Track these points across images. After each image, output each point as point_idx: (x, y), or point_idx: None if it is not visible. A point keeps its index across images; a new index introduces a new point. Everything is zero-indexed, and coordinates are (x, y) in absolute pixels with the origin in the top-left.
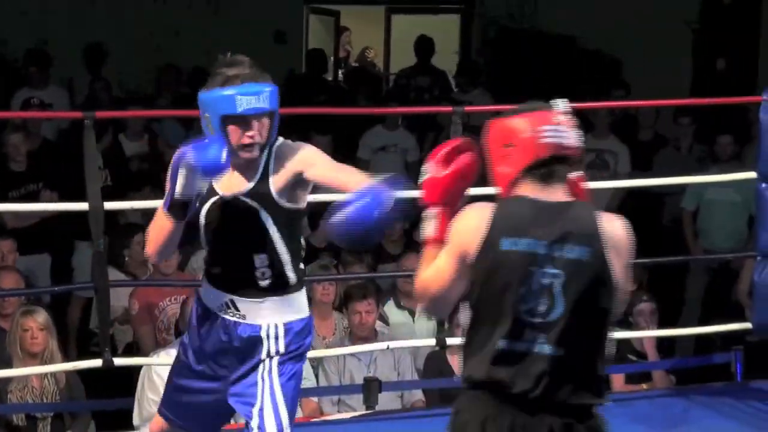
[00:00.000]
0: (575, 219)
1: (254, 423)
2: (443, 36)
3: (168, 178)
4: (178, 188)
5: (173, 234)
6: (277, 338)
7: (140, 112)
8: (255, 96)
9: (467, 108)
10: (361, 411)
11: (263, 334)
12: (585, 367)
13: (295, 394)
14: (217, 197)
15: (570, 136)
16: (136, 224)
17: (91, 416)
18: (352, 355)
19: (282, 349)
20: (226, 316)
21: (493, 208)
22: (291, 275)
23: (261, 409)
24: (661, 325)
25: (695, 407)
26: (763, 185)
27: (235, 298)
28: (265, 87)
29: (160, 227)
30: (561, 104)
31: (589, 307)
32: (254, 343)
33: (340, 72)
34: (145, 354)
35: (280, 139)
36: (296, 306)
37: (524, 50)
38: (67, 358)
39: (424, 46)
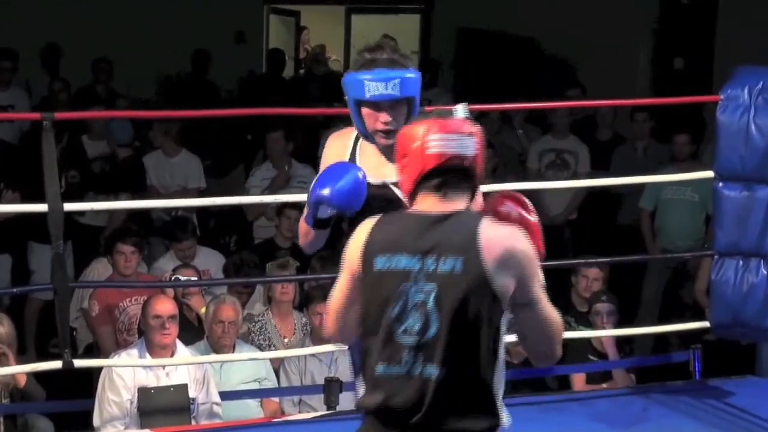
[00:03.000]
0: (452, 230)
1: None
2: (403, 36)
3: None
4: (314, 211)
5: (318, 237)
6: None
7: (100, 113)
8: (384, 82)
9: (427, 107)
10: (322, 411)
11: None
12: (472, 388)
13: None
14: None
15: (462, 144)
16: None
17: (49, 417)
18: (313, 355)
19: None
20: None
21: (375, 223)
22: None
23: None
24: (620, 324)
25: (654, 406)
26: (720, 184)
27: None
28: (397, 74)
29: (306, 230)
30: (460, 109)
31: (466, 322)
32: None
33: (300, 71)
34: (106, 355)
35: None
36: None
37: (483, 50)
38: (25, 359)
39: None
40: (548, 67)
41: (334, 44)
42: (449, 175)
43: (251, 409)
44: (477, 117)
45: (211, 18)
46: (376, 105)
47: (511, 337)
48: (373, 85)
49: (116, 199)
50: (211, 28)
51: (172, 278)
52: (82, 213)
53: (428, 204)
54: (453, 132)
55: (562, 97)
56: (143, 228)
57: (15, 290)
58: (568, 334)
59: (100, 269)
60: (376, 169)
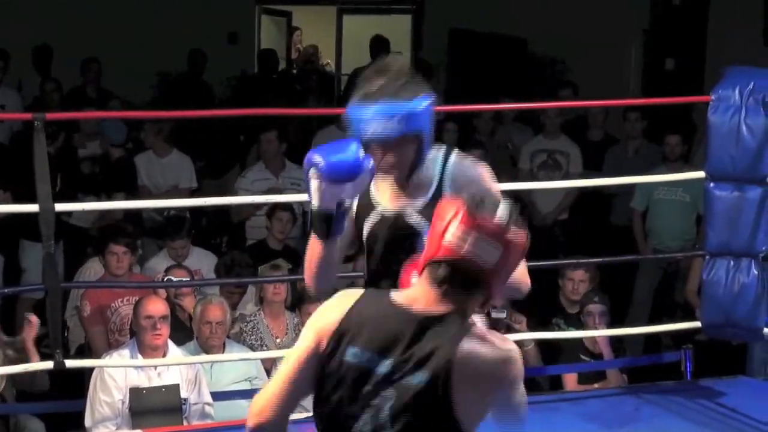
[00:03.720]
0: (432, 339)
1: None
2: (395, 37)
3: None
4: (312, 200)
5: (324, 256)
6: None
7: (91, 114)
8: (385, 120)
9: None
10: None
11: None
12: None
13: None
14: (380, 214)
15: (482, 250)
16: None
17: (40, 418)
18: None
19: None
20: None
21: (358, 301)
22: None
23: None
24: (611, 324)
25: (646, 405)
26: (711, 185)
27: None
28: (400, 109)
29: (311, 250)
30: (504, 209)
31: None
32: None
33: (292, 71)
34: (97, 355)
35: (454, 154)
36: None
37: (474, 51)
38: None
39: (380, 45)
40: (540, 67)
41: (326, 44)
42: (456, 273)
43: (243, 409)
44: (469, 117)
45: (203, 18)
46: (380, 143)
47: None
48: (373, 123)
49: (110, 199)
50: (203, 29)
51: (165, 279)
52: (70, 213)
53: (422, 294)
54: (479, 232)
55: (553, 98)
56: (136, 228)
57: (6, 290)
58: (559, 335)
59: (96, 268)
60: (392, 200)
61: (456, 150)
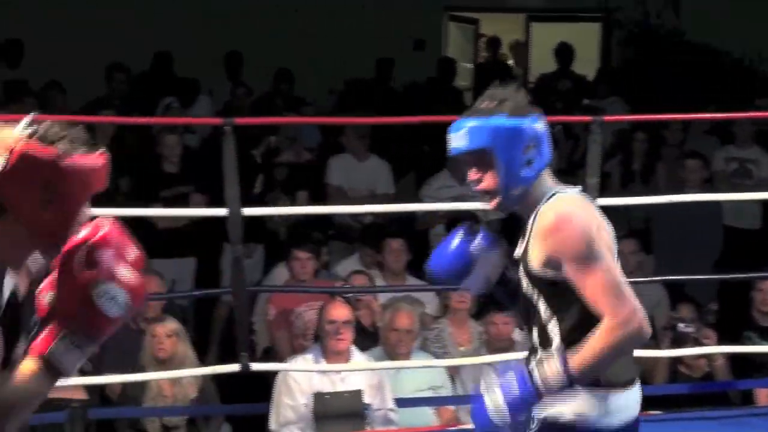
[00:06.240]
0: None
1: None
2: (583, 44)
3: None
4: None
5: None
6: None
7: (279, 119)
8: (455, 133)
9: (606, 117)
10: None
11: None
12: None
13: None
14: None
15: None
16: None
17: (227, 420)
18: (489, 364)
19: None
20: None
21: None
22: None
23: None
24: None
25: None
26: None
27: None
28: (468, 123)
29: None
30: (23, 122)
31: None
32: None
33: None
34: (282, 359)
35: (552, 195)
36: (579, 401)
37: (663, 58)
38: (205, 363)
39: (565, 52)
40: (735, 75)
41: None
42: None
43: (427, 417)
44: (659, 127)
45: (390, 24)
46: (456, 157)
47: (692, 350)
48: (452, 137)
49: (294, 200)
50: (390, 35)
51: (344, 285)
52: (270, 218)
53: None
54: None
55: (749, 107)
56: (324, 231)
57: (195, 293)
58: (750, 349)
59: (283, 273)
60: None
61: (558, 191)
